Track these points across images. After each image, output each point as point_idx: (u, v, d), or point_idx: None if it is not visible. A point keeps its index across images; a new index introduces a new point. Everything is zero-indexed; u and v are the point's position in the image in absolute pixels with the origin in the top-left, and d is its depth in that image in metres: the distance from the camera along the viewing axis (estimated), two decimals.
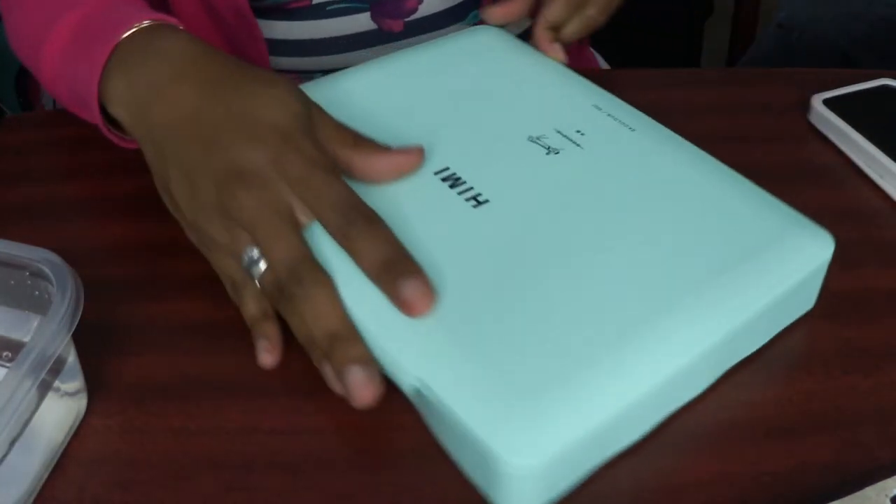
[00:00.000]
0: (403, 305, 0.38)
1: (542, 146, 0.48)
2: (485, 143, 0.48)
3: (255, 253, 0.41)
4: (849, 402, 0.41)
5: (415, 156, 0.45)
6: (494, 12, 0.58)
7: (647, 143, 0.48)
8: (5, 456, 0.36)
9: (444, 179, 0.46)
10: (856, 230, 0.50)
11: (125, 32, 0.48)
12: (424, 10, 0.71)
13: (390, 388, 0.39)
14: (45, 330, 0.36)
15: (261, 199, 0.40)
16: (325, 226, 0.41)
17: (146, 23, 0.49)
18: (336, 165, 0.43)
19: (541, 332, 0.38)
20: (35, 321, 0.41)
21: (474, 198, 0.44)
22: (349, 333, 0.39)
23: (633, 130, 0.49)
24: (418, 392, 0.38)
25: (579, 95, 0.52)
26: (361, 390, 0.38)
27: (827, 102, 0.58)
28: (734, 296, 0.40)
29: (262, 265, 0.41)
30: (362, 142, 0.45)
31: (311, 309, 0.39)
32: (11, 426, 0.34)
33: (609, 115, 0.50)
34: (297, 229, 0.41)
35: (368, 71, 0.55)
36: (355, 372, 0.38)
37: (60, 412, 0.40)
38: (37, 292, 0.40)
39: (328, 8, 0.69)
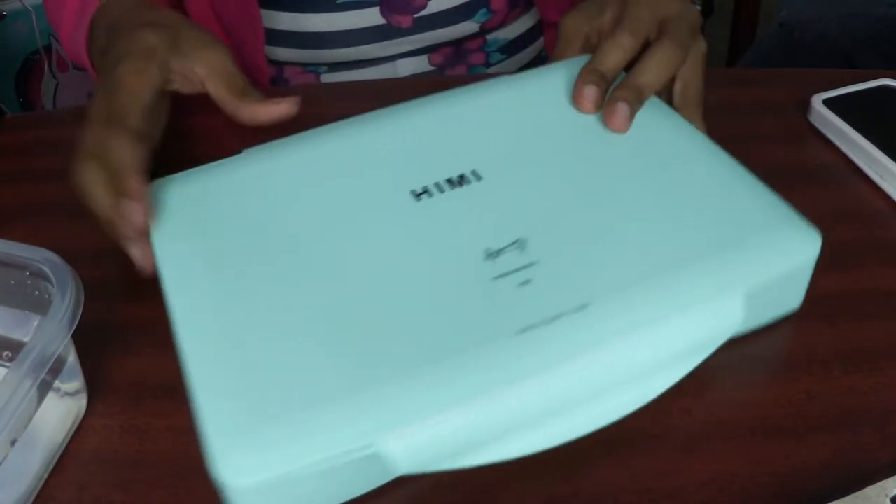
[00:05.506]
0: None
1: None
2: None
3: None
4: (849, 402, 0.41)
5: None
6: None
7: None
8: (5, 456, 0.36)
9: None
10: (855, 230, 0.50)
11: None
12: (433, 6, 0.71)
13: None
14: (45, 330, 0.36)
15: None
16: None
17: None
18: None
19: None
20: (35, 321, 0.41)
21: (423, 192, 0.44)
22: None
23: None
24: None
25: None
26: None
27: (827, 102, 0.58)
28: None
29: None
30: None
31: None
32: (11, 426, 0.34)
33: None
34: None
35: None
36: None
37: (60, 412, 0.40)
38: (37, 292, 0.40)
39: (338, 1, 0.69)
